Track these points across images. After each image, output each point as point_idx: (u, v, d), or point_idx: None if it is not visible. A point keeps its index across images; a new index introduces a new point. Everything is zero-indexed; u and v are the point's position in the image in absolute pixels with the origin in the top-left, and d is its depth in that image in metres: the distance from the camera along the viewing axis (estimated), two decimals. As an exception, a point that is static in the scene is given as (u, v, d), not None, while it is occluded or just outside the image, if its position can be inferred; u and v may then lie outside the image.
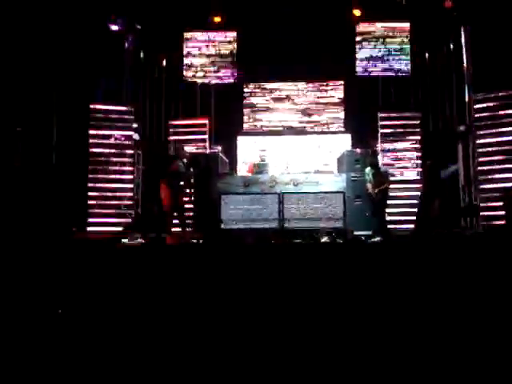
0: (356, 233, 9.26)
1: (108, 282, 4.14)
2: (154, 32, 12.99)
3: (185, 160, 10.22)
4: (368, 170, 9.38)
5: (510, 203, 9.76)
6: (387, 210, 10.07)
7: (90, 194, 11.84)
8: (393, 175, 11.15)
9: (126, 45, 12.84)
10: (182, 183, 10.02)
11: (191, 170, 10.11)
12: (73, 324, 2.69)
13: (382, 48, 12.92)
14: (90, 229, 11.59)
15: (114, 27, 12.31)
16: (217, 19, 12.79)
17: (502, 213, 10.23)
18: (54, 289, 3.36)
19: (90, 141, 11.97)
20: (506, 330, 2.34)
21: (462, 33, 12.32)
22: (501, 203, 10.39)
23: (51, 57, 11.48)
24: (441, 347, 2.14)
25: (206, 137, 12.78)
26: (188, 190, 10.10)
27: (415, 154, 12.36)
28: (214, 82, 13.28)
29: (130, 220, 12.02)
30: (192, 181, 10.23)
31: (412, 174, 12.12)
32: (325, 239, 9.28)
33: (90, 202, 11.81)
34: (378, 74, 12.91)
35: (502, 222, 10.27)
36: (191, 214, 10.18)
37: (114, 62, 12.49)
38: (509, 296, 3.11)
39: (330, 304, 3.08)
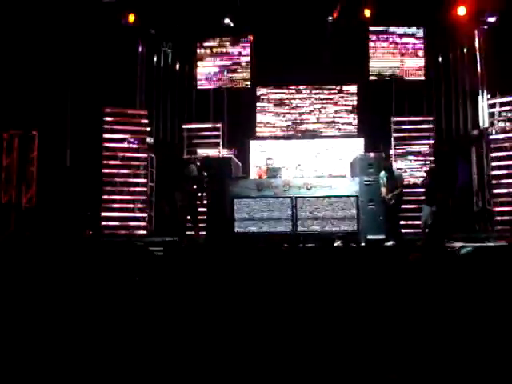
0: (369, 237, 9.23)
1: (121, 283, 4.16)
2: (167, 36, 13.09)
3: (198, 163, 10.29)
4: (382, 174, 9.36)
5: None
6: (401, 214, 10.05)
7: (104, 197, 11.93)
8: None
9: (140, 49, 12.93)
10: (195, 187, 10.09)
11: (204, 173, 10.15)
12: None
13: (395, 52, 12.90)
14: (104, 231, 11.69)
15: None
16: (230, 24, 12.76)
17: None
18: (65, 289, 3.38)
19: (104, 144, 12.06)
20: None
21: (476, 37, 12.27)
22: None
23: (65, 60, 11.59)
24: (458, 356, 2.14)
25: (220, 140, 12.84)
26: (200, 194, 10.13)
27: (428, 158, 12.35)
28: (227, 86, 13.33)
29: (144, 223, 12.13)
30: (205, 185, 10.27)
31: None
32: (338, 243, 9.26)
33: (105, 205, 11.90)
34: (391, 78, 12.88)
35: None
36: (204, 217, 10.20)
37: (128, 65, 12.58)
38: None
39: (343, 309, 3.08)
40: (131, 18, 11.97)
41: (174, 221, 10.23)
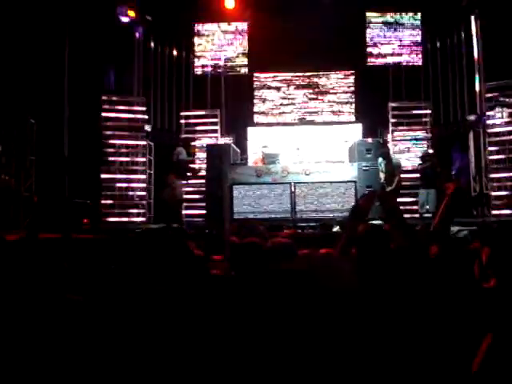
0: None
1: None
2: (164, 23, 13.02)
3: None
4: (380, 160, 9.41)
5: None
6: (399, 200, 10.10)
7: (103, 185, 11.94)
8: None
9: (137, 35, 12.87)
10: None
11: (192, 155, 10.18)
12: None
13: (393, 37, 12.89)
14: (103, 219, 11.70)
15: (125, 19, 12.31)
16: (228, 9, 12.64)
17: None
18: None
19: (103, 132, 12.05)
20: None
21: (473, 21, 12.26)
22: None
23: (62, 48, 11.54)
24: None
25: (218, 127, 12.84)
26: (190, 174, 10.15)
27: (425, 143, 12.38)
28: (224, 72, 13.29)
29: (143, 210, 12.13)
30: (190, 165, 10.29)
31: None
32: (336, 228, 9.30)
33: (103, 193, 11.91)
34: (389, 63, 12.87)
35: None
36: (204, 204, 10.24)
37: (125, 52, 12.54)
38: None
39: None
40: (131, 13, 11.98)
41: (171, 207, 10.23)
